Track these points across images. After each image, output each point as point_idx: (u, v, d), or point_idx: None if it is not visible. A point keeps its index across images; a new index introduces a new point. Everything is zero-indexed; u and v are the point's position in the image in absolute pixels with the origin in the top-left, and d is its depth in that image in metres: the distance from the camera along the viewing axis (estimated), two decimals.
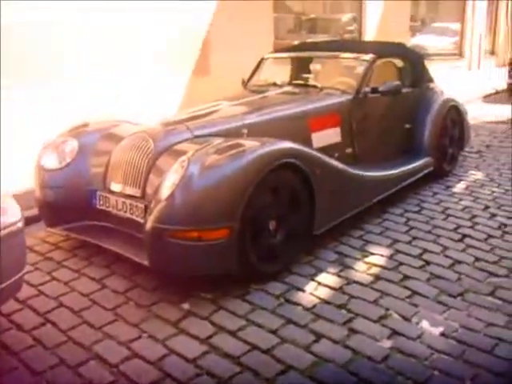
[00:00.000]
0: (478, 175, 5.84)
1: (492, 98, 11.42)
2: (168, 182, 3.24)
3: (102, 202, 3.82)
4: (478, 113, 9.25)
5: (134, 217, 3.61)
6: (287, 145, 3.66)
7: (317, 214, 3.79)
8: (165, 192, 3.22)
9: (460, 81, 12.34)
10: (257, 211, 3.38)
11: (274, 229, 3.53)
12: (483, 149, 7.05)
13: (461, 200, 5.02)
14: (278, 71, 5.86)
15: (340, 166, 4.15)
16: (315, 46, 6.15)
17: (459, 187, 5.43)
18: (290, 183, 3.60)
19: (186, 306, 3.22)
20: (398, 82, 5.06)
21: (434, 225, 4.42)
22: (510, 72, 11.17)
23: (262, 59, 5.72)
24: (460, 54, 15.44)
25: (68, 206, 3.92)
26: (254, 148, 3.47)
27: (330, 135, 4.59)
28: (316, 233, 3.87)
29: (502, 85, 12.09)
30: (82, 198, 3.89)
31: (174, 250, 3.20)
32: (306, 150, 3.83)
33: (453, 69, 13.88)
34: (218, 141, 3.57)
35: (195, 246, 3.18)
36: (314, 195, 3.72)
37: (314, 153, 3.92)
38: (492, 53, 17.24)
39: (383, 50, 5.68)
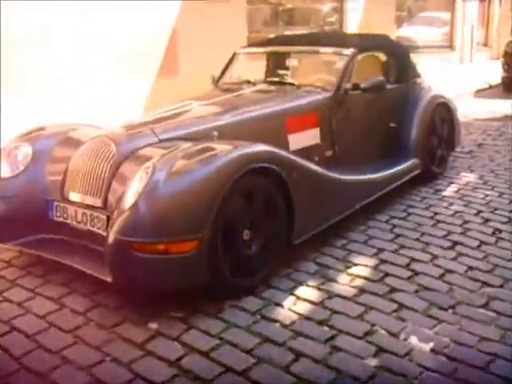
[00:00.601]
0: (470, 177, 5.94)
1: (485, 93, 11.62)
2: (132, 191, 3.26)
3: (59, 214, 3.82)
4: (469, 109, 9.40)
5: (94, 229, 3.62)
6: (261, 148, 3.70)
7: (295, 222, 3.82)
8: (128, 201, 3.23)
9: (450, 75, 12.55)
10: (229, 220, 3.41)
11: (248, 239, 3.56)
12: (475, 148, 7.16)
13: (451, 204, 5.10)
14: (252, 67, 5.91)
15: (319, 169, 4.20)
16: (292, 40, 6.23)
17: (450, 191, 5.52)
18: (265, 189, 3.64)
19: (153, 325, 3.22)
20: (381, 78, 5.13)
21: (422, 232, 4.49)
22: (504, 65, 11.34)
23: (234, 54, 5.76)
24: (450, 47, 15.70)
25: (21, 218, 3.89)
26: (226, 152, 3.50)
27: (308, 136, 4.64)
28: (295, 242, 3.90)
29: (496, 79, 12.27)
30: (37, 209, 3.88)
31: (138, 264, 3.21)
32: (282, 153, 3.87)
33: (443, 62, 14.11)
34: (186, 145, 3.60)
35: (162, 259, 3.19)
36: (291, 202, 3.76)
37: (291, 156, 3.97)
38: (485, 44, 17.55)
39: (365, 42, 5.76)
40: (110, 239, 3.24)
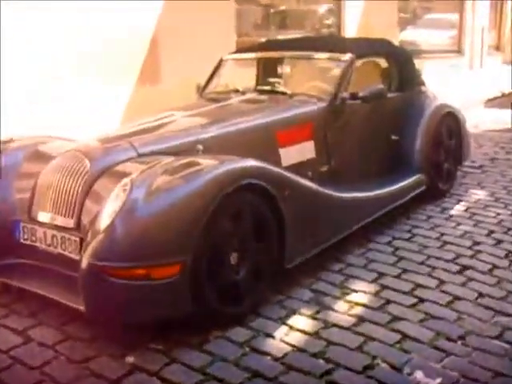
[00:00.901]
0: (481, 194, 5.98)
1: (497, 101, 11.73)
2: (107, 210, 3.28)
3: (26, 236, 3.82)
4: (480, 120, 9.50)
5: (66, 253, 3.62)
6: (250, 163, 3.73)
7: (287, 244, 3.86)
8: (104, 222, 3.25)
9: (459, 82, 12.65)
10: (215, 242, 3.44)
11: (236, 263, 3.58)
12: (487, 163, 7.24)
13: (460, 224, 5.13)
14: (241, 75, 5.97)
15: (314, 186, 4.25)
16: (285, 45, 6.30)
17: (458, 209, 5.56)
18: (254, 208, 3.67)
19: (130, 359, 3.21)
20: (381, 86, 5.20)
21: (428, 254, 4.51)
22: None
23: (221, 61, 5.83)
24: (459, 51, 15.83)
25: None
26: (211, 167, 3.55)
27: (301, 150, 4.70)
28: (288, 267, 3.93)
29: (509, 86, 12.41)
30: (2, 231, 3.89)
31: (115, 291, 3.22)
32: (273, 168, 3.91)
33: (450, 68, 14.21)
34: (167, 159, 3.64)
35: (141, 285, 3.21)
36: (283, 222, 3.79)
37: (283, 172, 4.00)
38: (497, 48, 17.74)
39: (364, 47, 5.84)
40: (84, 264, 3.24)
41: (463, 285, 4.04)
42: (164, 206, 3.30)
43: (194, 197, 3.36)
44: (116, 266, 3.18)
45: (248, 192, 3.61)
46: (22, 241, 3.85)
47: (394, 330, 3.47)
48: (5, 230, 3.89)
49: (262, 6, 10.51)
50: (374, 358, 3.19)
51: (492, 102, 11.62)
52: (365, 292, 3.94)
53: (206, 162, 3.65)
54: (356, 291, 3.95)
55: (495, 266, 4.31)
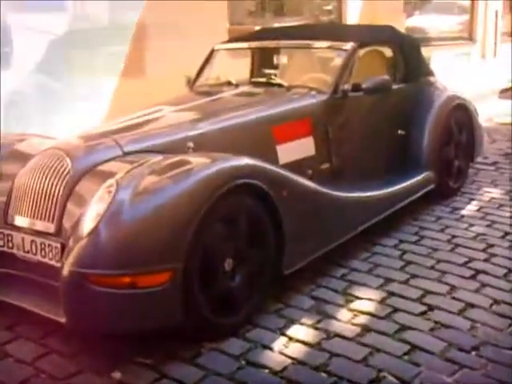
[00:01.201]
0: (494, 193, 6.10)
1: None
2: (91, 213, 3.35)
3: (2, 242, 3.88)
4: (493, 112, 9.59)
5: (46, 259, 3.67)
6: (245, 161, 3.83)
7: (286, 248, 3.94)
8: (87, 226, 3.31)
9: (471, 72, 12.76)
10: (207, 248, 3.51)
11: (230, 269, 3.67)
12: (501, 159, 7.36)
13: (472, 226, 5.21)
14: (234, 66, 6.05)
15: (314, 186, 4.34)
16: (281, 33, 6.40)
17: (470, 209, 5.66)
18: (250, 210, 3.76)
19: (117, 374, 3.25)
20: (386, 77, 5.33)
21: (437, 258, 4.58)
22: None
23: (213, 51, 5.93)
24: (470, 38, 15.95)
25: None
26: (203, 167, 3.64)
27: (300, 147, 4.78)
28: (286, 272, 4.01)
29: None
30: None
31: (99, 301, 3.28)
32: (270, 167, 3.99)
33: (461, 57, 14.33)
34: (155, 158, 3.72)
35: (127, 294, 3.27)
36: (281, 225, 3.87)
37: (281, 170, 4.10)
38: None
39: (367, 35, 5.96)
40: (65, 271, 3.30)
41: (476, 291, 4.09)
42: (152, 208, 3.37)
43: (185, 198, 3.43)
44: (100, 273, 3.24)
45: (243, 193, 3.70)
46: None
47: (401, 341, 3.51)
48: None
49: None
50: (380, 370, 3.23)
51: (506, 93, 11.78)
52: (370, 299, 3.99)
53: (197, 160, 3.74)
54: (360, 298, 4.00)
55: (511, 271, 4.36)
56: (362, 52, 5.46)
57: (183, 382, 3.19)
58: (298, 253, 4.10)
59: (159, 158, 3.72)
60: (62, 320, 3.37)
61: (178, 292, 3.35)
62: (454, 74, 9.29)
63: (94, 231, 3.27)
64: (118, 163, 3.79)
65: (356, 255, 4.62)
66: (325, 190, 4.43)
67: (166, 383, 3.19)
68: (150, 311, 3.36)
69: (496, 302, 3.93)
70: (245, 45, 6.10)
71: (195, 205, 3.41)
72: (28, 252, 3.76)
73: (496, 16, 16.41)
